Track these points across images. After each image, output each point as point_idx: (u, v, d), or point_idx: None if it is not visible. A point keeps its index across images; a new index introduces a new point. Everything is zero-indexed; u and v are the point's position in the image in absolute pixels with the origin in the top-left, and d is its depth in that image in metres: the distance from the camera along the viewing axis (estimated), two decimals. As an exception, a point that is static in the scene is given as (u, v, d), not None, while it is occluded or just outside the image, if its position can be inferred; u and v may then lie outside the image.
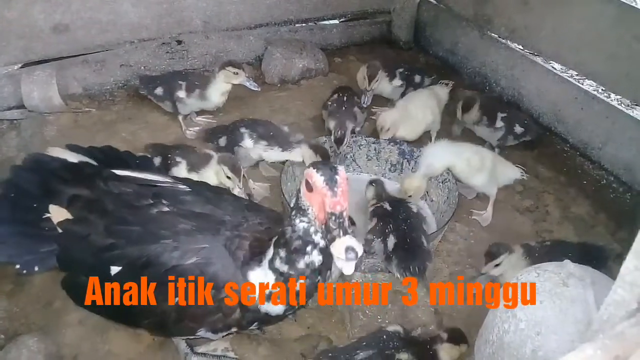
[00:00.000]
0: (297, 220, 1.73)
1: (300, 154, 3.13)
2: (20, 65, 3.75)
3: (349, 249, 1.50)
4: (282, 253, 1.78)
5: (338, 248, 1.51)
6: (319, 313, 2.62)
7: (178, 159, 3.03)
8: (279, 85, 4.27)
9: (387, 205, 2.81)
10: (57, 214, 2.07)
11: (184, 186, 2.15)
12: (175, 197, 2.07)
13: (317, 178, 1.57)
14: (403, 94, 3.98)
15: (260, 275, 1.85)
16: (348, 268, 1.51)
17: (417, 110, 3.56)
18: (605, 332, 1.31)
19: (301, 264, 1.77)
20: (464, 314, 2.63)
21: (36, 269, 2.05)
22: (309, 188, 1.61)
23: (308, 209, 1.67)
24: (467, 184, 3.25)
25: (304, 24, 4.69)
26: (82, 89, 3.91)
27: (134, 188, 2.11)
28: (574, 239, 3.17)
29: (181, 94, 3.60)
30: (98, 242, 1.97)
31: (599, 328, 1.38)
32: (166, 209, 2.01)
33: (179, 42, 4.14)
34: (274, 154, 3.24)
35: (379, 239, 2.65)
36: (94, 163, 2.33)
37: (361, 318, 2.57)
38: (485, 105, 3.66)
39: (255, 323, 1.99)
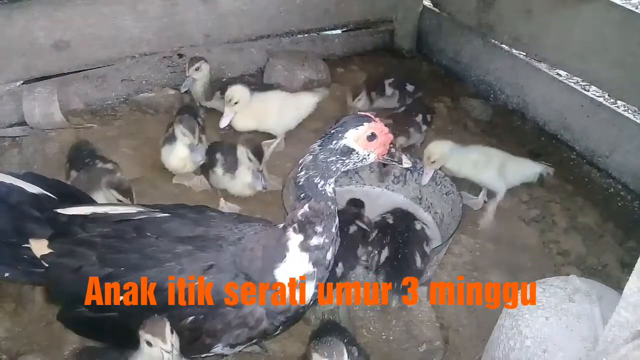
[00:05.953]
0: (328, 187, 1.82)
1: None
2: (21, 82, 3.75)
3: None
4: (319, 228, 1.82)
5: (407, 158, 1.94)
6: (322, 330, 2.58)
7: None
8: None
9: (390, 219, 2.78)
10: (39, 246, 2.00)
11: (163, 214, 2.08)
12: (158, 226, 2.00)
13: (376, 125, 1.82)
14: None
15: (290, 264, 1.84)
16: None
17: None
18: (609, 354, 1.29)
19: (334, 228, 1.87)
20: (470, 329, 2.58)
21: (6, 275, 1.99)
22: (372, 138, 1.82)
23: (369, 154, 1.84)
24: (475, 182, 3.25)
25: (305, 35, 4.68)
26: (83, 104, 3.93)
27: (111, 226, 2.02)
28: (581, 248, 3.14)
29: None
30: (94, 273, 1.90)
31: (603, 349, 1.36)
32: (154, 239, 1.96)
33: (180, 56, 4.14)
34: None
35: (376, 250, 2.62)
36: (50, 195, 2.17)
37: (365, 335, 2.54)
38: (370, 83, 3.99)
39: (281, 327, 1.96)
